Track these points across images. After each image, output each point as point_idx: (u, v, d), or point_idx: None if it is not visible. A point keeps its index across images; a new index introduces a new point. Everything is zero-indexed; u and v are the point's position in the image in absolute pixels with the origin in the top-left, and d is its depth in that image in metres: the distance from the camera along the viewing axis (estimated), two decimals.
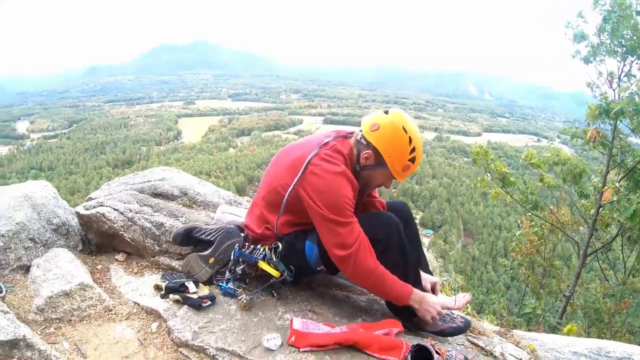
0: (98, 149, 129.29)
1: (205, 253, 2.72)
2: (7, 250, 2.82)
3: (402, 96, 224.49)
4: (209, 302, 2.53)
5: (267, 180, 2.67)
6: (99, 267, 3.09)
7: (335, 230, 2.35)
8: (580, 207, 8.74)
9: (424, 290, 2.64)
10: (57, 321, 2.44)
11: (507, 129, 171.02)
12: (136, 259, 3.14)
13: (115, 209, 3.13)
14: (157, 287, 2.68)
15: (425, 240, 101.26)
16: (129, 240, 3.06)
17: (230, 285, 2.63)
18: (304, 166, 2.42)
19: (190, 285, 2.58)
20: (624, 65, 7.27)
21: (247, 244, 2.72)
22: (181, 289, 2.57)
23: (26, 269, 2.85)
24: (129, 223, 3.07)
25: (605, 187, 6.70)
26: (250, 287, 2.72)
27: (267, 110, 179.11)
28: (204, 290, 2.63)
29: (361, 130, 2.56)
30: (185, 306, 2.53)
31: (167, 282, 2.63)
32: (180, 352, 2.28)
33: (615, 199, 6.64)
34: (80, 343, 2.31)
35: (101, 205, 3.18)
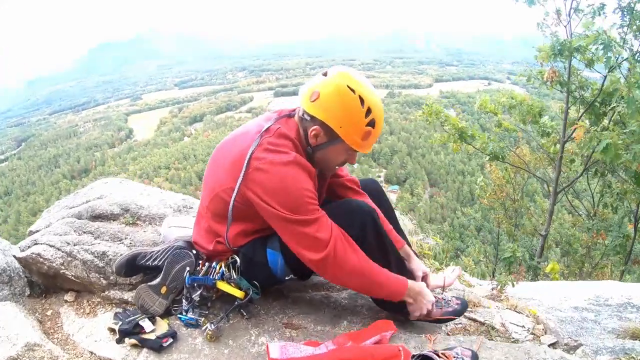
0: (52, 164, 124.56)
1: (155, 282, 2.34)
2: None
3: (350, 58, 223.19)
4: (170, 340, 2.16)
5: (207, 185, 2.24)
6: (49, 312, 2.70)
7: (301, 232, 1.96)
8: (542, 145, 8.78)
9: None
10: None
11: (458, 77, 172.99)
12: (87, 296, 2.74)
13: (51, 246, 2.70)
14: (112, 330, 2.30)
15: (392, 197, 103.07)
16: (73, 278, 2.66)
17: (191, 315, 2.27)
18: (245, 162, 1.98)
19: (146, 324, 2.21)
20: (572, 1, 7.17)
21: (200, 262, 2.34)
22: (136, 330, 2.19)
23: None
24: (69, 258, 2.66)
25: (576, 126, 6.67)
26: (214, 310, 2.39)
27: (216, 93, 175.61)
28: (163, 327, 2.26)
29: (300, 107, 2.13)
30: (145, 350, 2.16)
31: (120, 322, 2.25)
32: None
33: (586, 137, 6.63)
34: None
35: (35, 244, 2.76)
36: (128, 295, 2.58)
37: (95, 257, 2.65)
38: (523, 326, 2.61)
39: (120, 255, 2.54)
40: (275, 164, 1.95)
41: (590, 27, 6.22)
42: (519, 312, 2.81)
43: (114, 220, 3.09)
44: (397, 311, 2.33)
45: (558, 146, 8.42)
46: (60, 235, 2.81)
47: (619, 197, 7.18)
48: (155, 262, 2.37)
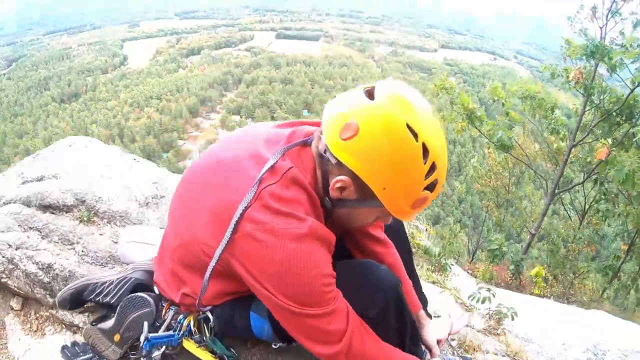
0: (42, 86, 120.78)
1: (107, 327, 1.90)
2: None
3: (357, 10, 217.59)
4: None
5: (176, 225, 1.66)
6: None
7: (310, 325, 1.42)
8: (550, 143, 8.52)
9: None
10: None
11: (464, 46, 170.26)
12: (34, 306, 2.35)
13: None
14: None
15: None
16: (16, 289, 2.26)
17: None
18: (233, 222, 1.34)
19: None
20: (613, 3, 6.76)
21: (163, 305, 1.85)
22: None
23: None
24: (10, 266, 2.25)
25: (600, 146, 6.42)
26: None
27: (217, 28, 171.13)
28: None
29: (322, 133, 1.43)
30: None
31: None
32: None
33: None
34: None
35: None
36: (78, 319, 2.17)
37: (39, 268, 2.25)
38: None
39: (61, 291, 2.07)
40: (279, 237, 1.32)
41: (631, 43, 5.83)
42: None
43: (67, 213, 2.61)
44: None
45: (563, 144, 8.18)
46: (3, 232, 2.38)
47: (618, 215, 7.02)
48: (107, 299, 1.94)
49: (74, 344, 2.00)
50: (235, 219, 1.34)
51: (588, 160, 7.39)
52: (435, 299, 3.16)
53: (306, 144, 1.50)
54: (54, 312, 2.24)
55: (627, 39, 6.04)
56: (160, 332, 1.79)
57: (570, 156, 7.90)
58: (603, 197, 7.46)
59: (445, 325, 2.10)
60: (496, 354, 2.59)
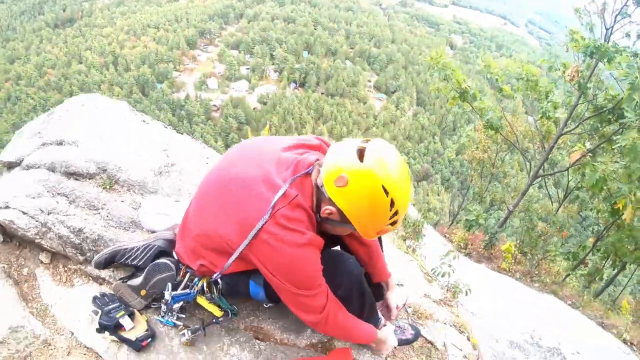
0: (35, 10, 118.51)
1: (135, 284, 2.40)
2: None
3: None
4: (149, 340, 2.30)
5: (202, 219, 2.13)
6: (24, 271, 2.73)
7: (301, 301, 2.03)
8: (540, 126, 8.78)
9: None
10: None
11: (475, 6, 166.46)
12: (62, 260, 2.74)
13: (24, 213, 2.64)
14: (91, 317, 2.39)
15: (377, 104, 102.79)
16: (49, 248, 2.66)
17: (169, 318, 2.37)
18: (254, 231, 1.87)
19: (126, 322, 2.29)
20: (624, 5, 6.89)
21: (181, 269, 2.34)
22: (116, 328, 2.29)
23: None
24: (44, 229, 2.62)
25: (575, 149, 6.69)
26: (191, 316, 2.49)
27: None
28: (142, 324, 2.36)
29: (322, 170, 1.95)
30: (125, 346, 2.29)
31: (100, 312, 2.32)
32: None
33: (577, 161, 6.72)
34: None
35: (7, 207, 2.68)
36: (105, 274, 2.63)
37: (71, 232, 2.63)
38: (461, 349, 2.90)
39: (97, 255, 2.53)
40: (287, 244, 1.86)
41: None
42: (462, 333, 3.08)
43: (90, 179, 2.97)
44: None
45: (553, 127, 8.46)
46: (33, 198, 2.74)
47: (591, 210, 7.40)
48: (134, 262, 2.41)
49: (103, 294, 2.46)
50: (255, 230, 1.87)
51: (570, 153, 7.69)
52: (404, 267, 3.69)
53: (307, 174, 2.00)
54: (82, 267, 2.67)
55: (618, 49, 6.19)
56: (179, 291, 2.32)
57: (557, 143, 8.21)
58: (582, 186, 7.83)
59: (403, 294, 2.88)
60: (445, 324, 3.05)
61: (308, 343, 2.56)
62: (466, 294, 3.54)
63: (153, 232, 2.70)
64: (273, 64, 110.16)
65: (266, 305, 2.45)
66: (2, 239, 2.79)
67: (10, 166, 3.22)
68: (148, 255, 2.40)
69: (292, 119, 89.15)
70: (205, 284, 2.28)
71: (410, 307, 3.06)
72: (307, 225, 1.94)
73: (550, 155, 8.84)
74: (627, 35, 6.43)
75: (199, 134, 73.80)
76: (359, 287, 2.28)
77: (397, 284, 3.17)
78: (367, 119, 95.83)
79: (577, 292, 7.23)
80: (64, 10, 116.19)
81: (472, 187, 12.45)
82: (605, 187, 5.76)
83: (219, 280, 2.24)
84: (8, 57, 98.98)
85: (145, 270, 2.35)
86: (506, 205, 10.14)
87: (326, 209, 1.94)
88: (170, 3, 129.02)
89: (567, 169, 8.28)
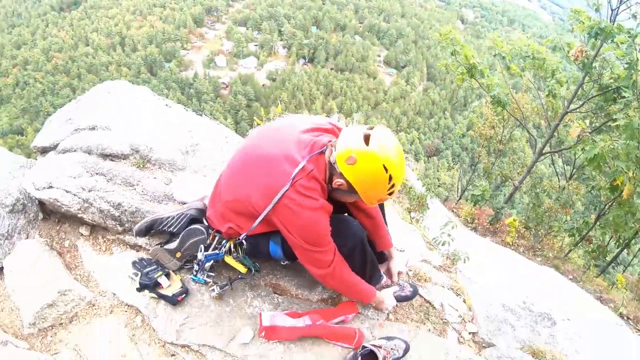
0: None
1: (171, 247, 2.79)
2: None
3: None
4: (184, 296, 2.71)
5: (234, 187, 2.53)
6: (66, 243, 3.09)
7: (312, 255, 2.44)
8: (545, 103, 8.85)
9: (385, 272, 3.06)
10: (51, 328, 2.65)
11: None
12: (101, 232, 3.13)
13: (67, 191, 3.00)
14: (132, 277, 2.79)
15: (387, 79, 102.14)
16: (90, 221, 3.03)
17: (201, 276, 2.77)
18: (277, 197, 2.29)
19: (163, 281, 2.70)
20: None
21: (210, 233, 2.74)
22: (155, 286, 2.70)
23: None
24: (85, 205, 2.99)
25: (576, 125, 6.76)
26: (219, 273, 2.91)
27: None
28: (176, 282, 2.77)
29: (334, 150, 2.35)
30: (163, 301, 2.70)
31: (139, 274, 2.73)
32: (168, 348, 2.58)
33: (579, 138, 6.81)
34: (78, 348, 2.54)
35: (51, 187, 3.04)
36: (142, 241, 3.03)
37: (111, 206, 3.00)
38: (457, 310, 3.21)
39: (138, 224, 2.92)
40: (303, 207, 2.29)
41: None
42: (458, 295, 3.38)
43: (124, 159, 3.33)
44: None
45: (559, 104, 8.52)
46: (74, 178, 3.09)
47: (594, 188, 7.48)
48: (170, 229, 2.82)
49: (141, 259, 2.88)
50: (278, 196, 2.29)
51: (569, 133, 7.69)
52: (407, 237, 4.06)
53: (322, 152, 2.42)
54: (121, 236, 3.07)
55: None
56: (210, 251, 2.71)
57: (563, 121, 8.31)
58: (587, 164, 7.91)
59: (404, 258, 3.32)
60: (443, 287, 3.37)
61: (319, 298, 2.97)
62: (464, 262, 3.84)
63: (184, 203, 3.10)
64: (281, 40, 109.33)
65: (283, 262, 2.78)
66: (42, 216, 3.19)
67: (45, 150, 3.58)
68: (182, 222, 2.82)
69: (302, 95, 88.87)
70: (232, 245, 2.69)
71: (410, 270, 3.40)
72: (320, 194, 2.36)
73: (559, 134, 8.91)
74: (634, 16, 6.41)
75: (208, 111, 73.84)
76: (361, 247, 2.66)
77: (399, 250, 3.54)
78: (377, 94, 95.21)
79: (579, 268, 7.37)
80: None
81: (480, 163, 12.54)
82: (604, 164, 5.89)
83: (244, 241, 2.65)
84: (14, 43, 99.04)
85: (180, 235, 2.77)
86: (512, 182, 10.27)
87: (337, 181, 2.36)
88: None
89: (571, 147, 8.36)
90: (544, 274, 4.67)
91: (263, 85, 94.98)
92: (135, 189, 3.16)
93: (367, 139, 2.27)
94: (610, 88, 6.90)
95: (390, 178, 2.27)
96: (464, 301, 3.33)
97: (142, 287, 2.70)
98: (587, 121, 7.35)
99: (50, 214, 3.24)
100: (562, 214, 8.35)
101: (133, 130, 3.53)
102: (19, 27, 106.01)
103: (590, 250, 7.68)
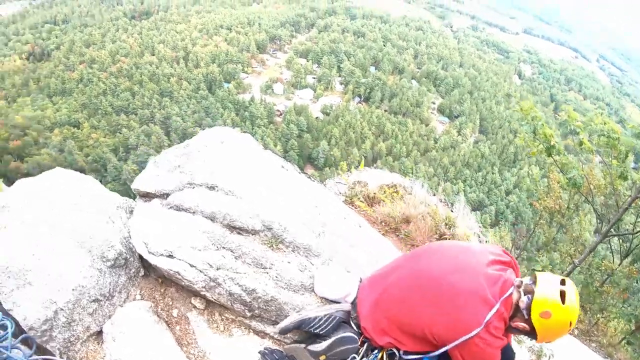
0: (115, 0, 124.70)
1: (317, 350, 2.69)
2: (72, 324, 2.58)
3: None
4: None
5: (408, 309, 2.56)
6: (174, 312, 2.88)
7: None
8: (615, 185, 8.69)
9: None
10: None
11: (547, 37, 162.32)
12: (218, 308, 2.91)
13: (191, 265, 2.79)
14: None
15: (439, 127, 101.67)
16: (213, 300, 2.83)
17: None
18: (469, 336, 2.38)
19: None
20: None
21: (359, 338, 2.70)
22: None
23: (97, 333, 2.69)
24: (212, 284, 2.78)
25: None
26: None
27: None
28: None
29: (529, 297, 2.44)
30: None
31: None
32: None
33: None
34: None
35: (171, 257, 2.82)
36: (270, 330, 2.85)
37: (243, 291, 2.79)
38: None
39: (284, 322, 2.79)
40: (490, 346, 2.40)
41: None
42: None
43: (253, 235, 3.03)
44: None
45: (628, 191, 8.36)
46: (199, 250, 2.86)
47: None
48: (317, 331, 2.73)
49: (272, 351, 2.73)
50: (470, 335, 2.37)
51: None
52: None
53: (510, 294, 2.50)
54: (246, 321, 2.89)
55: None
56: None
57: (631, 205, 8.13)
58: None
59: None
60: None
61: None
62: (549, 359, 3.88)
63: (325, 299, 2.97)
64: (339, 76, 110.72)
65: None
66: (142, 272, 2.99)
67: (147, 196, 3.37)
68: (331, 325, 2.74)
69: (353, 132, 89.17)
70: (385, 356, 2.68)
71: None
72: (504, 332, 2.49)
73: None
74: None
75: (259, 136, 75.23)
76: None
77: None
78: (428, 142, 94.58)
79: (632, 358, 7.12)
80: (141, 3, 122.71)
81: (539, 235, 12.30)
82: None
83: (396, 352, 2.64)
84: (85, 42, 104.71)
85: (331, 340, 2.68)
86: (572, 260, 10.04)
87: (520, 324, 2.48)
88: (244, 6, 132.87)
89: (635, 232, 8.18)
90: None
91: (316, 117, 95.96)
92: (268, 273, 2.91)
93: (562, 296, 2.40)
94: None
95: (572, 325, 2.43)
96: None
97: None
98: None
99: (150, 269, 3.03)
100: (617, 298, 8.12)
101: (260, 201, 3.20)
102: (91, 27, 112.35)
103: None
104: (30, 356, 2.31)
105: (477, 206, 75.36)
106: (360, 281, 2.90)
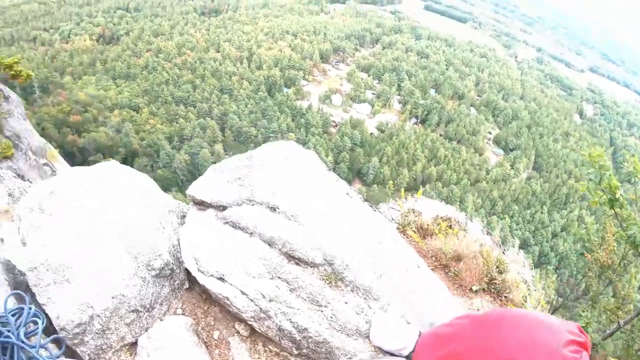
0: None
1: None
2: (107, 332, 2.49)
3: (513, 3, 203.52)
4: None
5: None
6: (215, 334, 2.77)
7: None
8: None
9: None
10: None
11: (613, 77, 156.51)
12: (263, 339, 2.76)
13: (243, 293, 2.65)
14: None
15: (492, 158, 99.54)
16: (260, 331, 2.69)
17: None
18: None
19: None
20: None
21: None
22: None
23: (131, 344, 2.59)
24: (262, 315, 2.62)
25: None
26: None
27: None
28: None
29: None
30: None
31: None
32: None
33: None
34: None
35: (223, 280, 2.70)
36: None
37: (294, 328, 2.62)
38: None
39: (323, 349, 2.64)
40: None
41: None
42: None
43: (312, 267, 2.87)
44: None
45: None
46: (254, 277, 2.71)
47: None
48: None
49: None
50: None
51: None
52: None
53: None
54: (290, 357, 2.73)
55: None
56: None
57: None
58: None
59: None
60: None
61: None
62: None
63: (380, 348, 2.81)
64: (399, 95, 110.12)
65: None
66: (187, 285, 2.85)
67: (202, 204, 3.24)
68: None
69: (406, 153, 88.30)
70: None
71: None
72: None
73: None
74: None
75: (312, 144, 75.81)
76: None
77: None
78: (479, 172, 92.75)
79: None
80: (212, 1, 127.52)
81: (585, 286, 11.91)
82: None
83: None
84: (153, 31, 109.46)
85: None
86: (617, 319, 9.66)
87: None
88: (312, 15, 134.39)
89: None
90: None
91: (371, 133, 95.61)
92: (323, 312, 2.73)
93: None
94: None
95: None
96: None
97: None
98: None
99: (195, 282, 2.88)
100: None
101: (323, 232, 3.03)
102: (161, 17, 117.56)
103: None
104: (58, 357, 2.22)
105: (521, 244, 72.48)
106: (419, 335, 2.78)
